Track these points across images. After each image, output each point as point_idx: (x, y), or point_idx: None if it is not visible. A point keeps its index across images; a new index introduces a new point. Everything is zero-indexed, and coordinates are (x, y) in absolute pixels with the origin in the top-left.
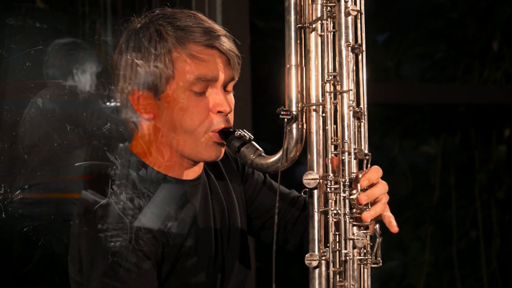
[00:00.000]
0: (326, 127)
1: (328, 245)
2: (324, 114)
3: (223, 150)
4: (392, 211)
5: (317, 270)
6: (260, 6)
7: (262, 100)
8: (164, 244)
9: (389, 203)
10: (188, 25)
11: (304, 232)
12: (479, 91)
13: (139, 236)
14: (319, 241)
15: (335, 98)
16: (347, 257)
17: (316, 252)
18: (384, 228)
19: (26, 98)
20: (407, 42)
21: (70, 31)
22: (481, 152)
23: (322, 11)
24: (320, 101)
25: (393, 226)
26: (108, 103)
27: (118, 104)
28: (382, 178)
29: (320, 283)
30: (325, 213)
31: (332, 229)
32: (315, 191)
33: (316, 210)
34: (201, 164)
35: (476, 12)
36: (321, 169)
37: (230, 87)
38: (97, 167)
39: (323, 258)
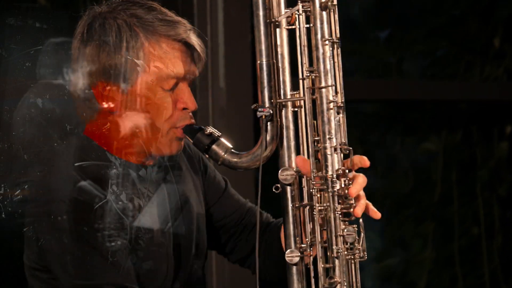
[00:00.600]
0: (307, 123)
1: (306, 240)
2: (294, 109)
3: (182, 144)
4: (393, 208)
5: (296, 267)
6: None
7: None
8: (142, 239)
9: (390, 200)
10: (155, 19)
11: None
12: (480, 88)
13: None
14: (296, 236)
15: (313, 93)
16: (338, 253)
17: (293, 248)
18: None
19: (26, 98)
20: (409, 39)
21: (70, 30)
22: (483, 149)
23: (291, 6)
24: (289, 96)
25: (376, 213)
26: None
27: (76, 93)
28: (384, 175)
29: (299, 279)
30: (301, 208)
31: (317, 225)
32: (289, 187)
33: (290, 206)
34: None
35: (478, 9)
36: (294, 164)
37: (191, 83)
38: (96, 167)
39: (305, 253)
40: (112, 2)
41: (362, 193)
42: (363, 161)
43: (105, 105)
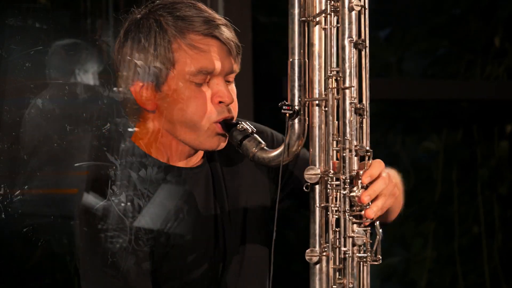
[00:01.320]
0: (329, 123)
1: (328, 241)
2: (326, 109)
3: (225, 139)
4: None
5: (317, 266)
6: (262, 1)
7: (264, 96)
8: (164, 242)
9: None
10: (188, 15)
11: None
12: (481, 87)
13: (139, 237)
14: (320, 237)
15: (337, 93)
16: (346, 255)
17: (317, 248)
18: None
19: (26, 98)
20: (409, 38)
21: (71, 30)
22: (483, 148)
23: (326, 5)
24: (323, 96)
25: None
26: (108, 103)
27: (121, 96)
28: None
29: (320, 278)
30: (325, 209)
31: (332, 225)
32: (317, 186)
33: (317, 205)
34: (201, 152)
35: (479, 8)
36: (323, 164)
37: (231, 77)
38: (97, 167)
39: (324, 254)
40: (152, 3)
41: (385, 193)
42: (370, 171)
43: (143, 104)
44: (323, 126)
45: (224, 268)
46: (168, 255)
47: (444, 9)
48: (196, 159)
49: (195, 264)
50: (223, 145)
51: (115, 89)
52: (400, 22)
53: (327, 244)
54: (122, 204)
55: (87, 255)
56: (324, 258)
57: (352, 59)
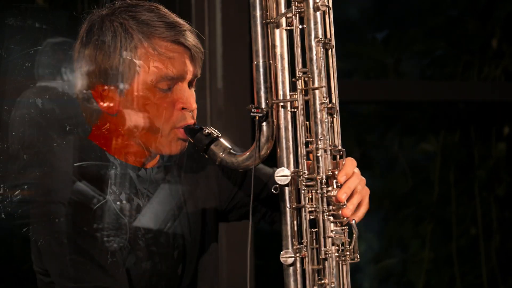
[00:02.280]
0: (298, 124)
1: (302, 241)
2: (293, 110)
3: (186, 144)
4: (392, 208)
5: (292, 268)
6: None
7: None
8: (130, 238)
9: (388, 200)
10: (152, 20)
11: None
12: (478, 88)
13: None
14: (293, 237)
15: (306, 94)
16: (327, 255)
17: (290, 249)
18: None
19: (26, 98)
20: (407, 40)
21: (70, 30)
22: (481, 149)
23: (289, 6)
24: (288, 97)
25: (355, 214)
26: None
27: (79, 96)
28: (382, 175)
29: (295, 280)
30: (298, 210)
31: (307, 226)
32: (287, 188)
33: (288, 206)
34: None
35: (476, 9)
36: (291, 166)
37: (193, 83)
38: (95, 167)
39: (299, 255)
40: (113, 4)
41: (359, 189)
42: (344, 170)
43: (104, 106)
44: (290, 127)
45: (183, 271)
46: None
47: (441, 11)
48: (154, 162)
49: (153, 267)
50: (184, 149)
51: (75, 89)
52: (397, 23)
53: (300, 245)
54: (119, 203)
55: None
56: (298, 259)
57: (320, 59)
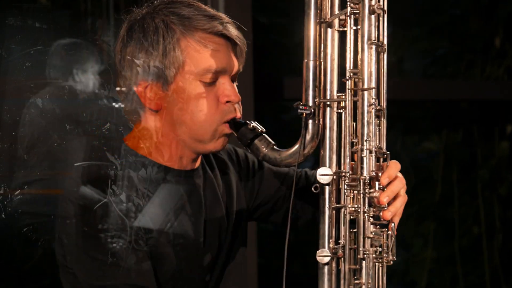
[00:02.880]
0: (346, 124)
1: (339, 242)
2: (339, 110)
3: (228, 140)
4: None
5: (327, 267)
6: (263, 2)
7: (264, 96)
8: (162, 242)
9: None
10: (193, 14)
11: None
12: (481, 87)
13: (139, 236)
14: (330, 237)
15: (355, 95)
16: (365, 255)
17: (326, 248)
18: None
19: (26, 98)
20: (409, 38)
21: (71, 30)
22: (484, 148)
23: (345, 7)
24: (336, 97)
25: (394, 230)
26: (108, 103)
27: (122, 96)
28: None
29: (330, 279)
30: (337, 210)
31: (346, 226)
32: (327, 187)
33: (327, 206)
34: (200, 156)
35: (479, 8)
36: (334, 165)
37: (235, 76)
38: (97, 167)
39: (335, 254)
40: (152, 3)
41: (402, 193)
42: (387, 172)
43: (148, 105)
44: (335, 127)
45: (212, 274)
46: (164, 255)
47: (444, 9)
48: (195, 164)
49: (186, 267)
50: (224, 147)
51: (118, 89)
52: (400, 22)
53: (337, 245)
54: (121, 203)
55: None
56: (334, 258)
57: (372, 61)
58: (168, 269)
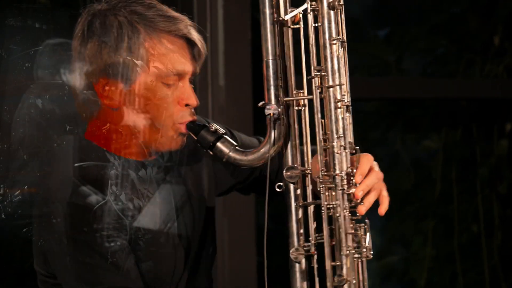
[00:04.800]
0: (309, 122)
1: (309, 239)
2: (299, 108)
3: (184, 140)
4: (394, 206)
5: (298, 265)
6: None
7: (263, 95)
8: (142, 240)
9: (391, 197)
10: (155, 15)
11: None
12: (480, 85)
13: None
14: (299, 235)
15: (321, 92)
16: (348, 251)
17: (297, 246)
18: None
19: (26, 98)
20: (409, 37)
21: (70, 30)
22: (483, 146)
23: (300, 5)
24: (295, 95)
25: (381, 209)
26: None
27: (77, 91)
28: (385, 172)
29: (303, 277)
30: (304, 207)
31: (325, 223)
32: (292, 186)
33: (294, 204)
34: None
35: (478, 7)
36: (298, 163)
37: (192, 79)
38: (95, 168)
39: (308, 252)
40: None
41: (376, 187)
42: (360, 170)
43: (106, 102)
44: (296, 125)
45: (187, 261)
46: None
47: (443, 8)
48: (153, 158)
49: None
50: (183, 145)
51: (72, 83)
52: (399, 21)
53: (309, 244)
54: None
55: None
56: (307, 256)
57: (335, 57)
58: (150, 266)
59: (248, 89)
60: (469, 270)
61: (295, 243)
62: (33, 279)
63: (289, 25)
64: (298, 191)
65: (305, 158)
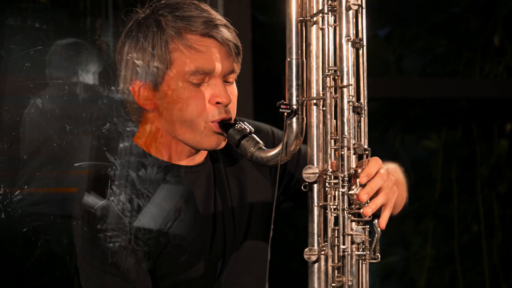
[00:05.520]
0: (327, 122)
1: (327, 239)
2: (324, 108)
3: (225, 139)
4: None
5: (316, 265)
6: (262, 1)
7: (263, 95)
8: (163, 242)
9: None
10: (188, 15)
11: None
12: (480, 85)
13: (138, 236)
14: (319, 236)
15: (335, 92)
16: (345, 253)
17: (315, 247)
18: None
19: (26, 98)
20: (408, 37)
21: (70, 30)
22: (483, 146)
23: (323, 5)
24: (321, 95)
25: (381, 223)
26: (107, 103)
27: (120, 95)
28: None
29: (319, 277)
30: (324, 208)
31: (331, 224)
32: (315, 185)
33: (315, 204)
34: (205, 152)
35: (478, 7)
36: (321, 163)
37: (231, 78)
38: (97, 167)
39: (322, 252)
40: (153, 3)
41: (385, 191)
42: (367, 169)
43: (141, 102)
44: (320, 125)
45: (223, 266)
46: (166, 254)
47: (443, 8)
48: (200, 158)
49: (191, 263)
50: (223, 144)
51: (113, 88)
52: (399, 20)
53: (326, 243)
54: (121, 204)
55: (87, 255)
56: (322, 256)
57: (349, 58)
58: (171, 268)
59: (248, 89)
60: (469, 270)
61: (314, 243)
62: (33, 279)
63: (319, 25)
64: (320, 192)
65: (328, 158)
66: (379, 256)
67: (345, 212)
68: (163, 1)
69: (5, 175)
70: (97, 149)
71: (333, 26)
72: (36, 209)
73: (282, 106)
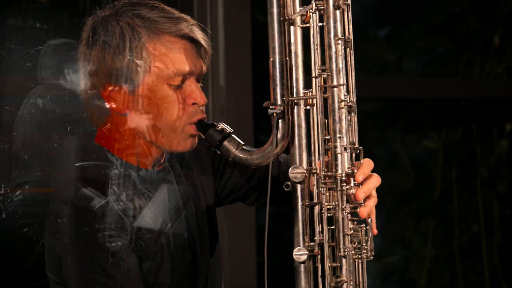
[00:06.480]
0: (317, 122)
1: (314, 239)
2: (307, 107)
3: (196, 140)
4: (393, 205)
5: (303, 265)
6: (262, 1)
7: (263, 95)
8: (143, 240)
9: (390, 197)
10: (157, 17)
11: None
12: (480, 85)
13: (138, 238)
14: (305, 235)
15: (325, 92)
16: (345, 252)
17: (302, 246)
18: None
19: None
20: (408, 37)
21: (70, 29)
22: (483, 146)
23: (307, 4)
24: (302, 94)
25: (374, 229)
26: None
27: (85, 97)
28: (384, 172)
29: (307, 277)
30: (310, 207)
31: (325, 224)
32: (299, 185)
33: (300, 204)
34: (164, 154)
35: (478, 7)
36: (304, 163)
37: (199, 77)
38: (97, 167)
39: (311, 252)
40: (115, 5)
41: (374, 193)
42: (362, 170)
43: (114, 106)
44: (303, 124)
45: (197, 266)
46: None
47: (443, 8)
48: (161, 160)
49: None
50: (195, 146)
51: (81, 89)
52: (399, 20)
53: (313, 243)
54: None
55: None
56: (311, 257)
57: (340, 57)
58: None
59: (248, 89)
60: (469, 270)
61: (300, 243)
62: (33, 279)
63: (298, 24)
64: (304, 191)
65: (312, 158)
66: (373, 254)
67: (344, 211)
68: (120, 3)
69: (5, 175)
70: (98, 149)
71: (318, 26)
72: (36, 209)
73: (271, 106)
